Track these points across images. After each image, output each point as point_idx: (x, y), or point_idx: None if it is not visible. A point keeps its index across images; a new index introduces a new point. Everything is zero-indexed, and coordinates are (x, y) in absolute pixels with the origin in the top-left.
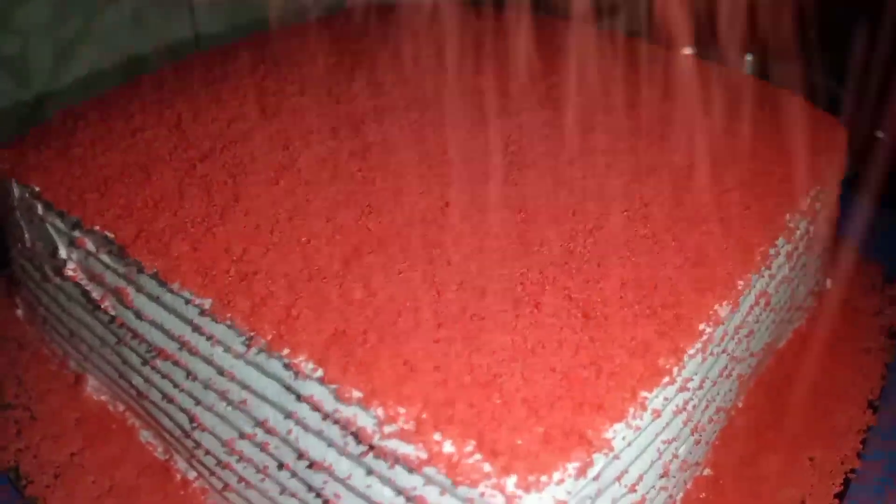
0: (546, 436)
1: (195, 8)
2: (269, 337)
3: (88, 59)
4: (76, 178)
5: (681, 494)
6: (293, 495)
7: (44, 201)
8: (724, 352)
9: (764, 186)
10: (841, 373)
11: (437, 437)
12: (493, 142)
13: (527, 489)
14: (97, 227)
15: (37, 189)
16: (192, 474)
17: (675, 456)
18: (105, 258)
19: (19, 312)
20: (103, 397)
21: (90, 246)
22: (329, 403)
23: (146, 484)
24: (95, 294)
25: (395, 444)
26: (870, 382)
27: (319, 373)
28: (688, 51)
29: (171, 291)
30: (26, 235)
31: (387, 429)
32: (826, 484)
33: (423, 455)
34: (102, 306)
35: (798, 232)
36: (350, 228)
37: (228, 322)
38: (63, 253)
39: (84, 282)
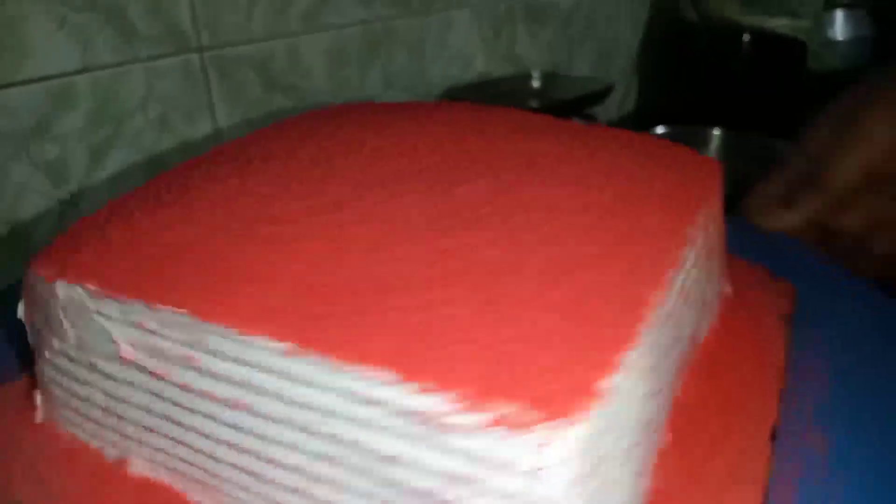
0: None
1: (216, 108)
2: (344, 358)
3: (118, 160)
4: (125, 267)
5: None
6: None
7: (97, 296)
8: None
9: (664, 210)
10: (751, 345)
11: (488, 407)
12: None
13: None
14: (159, 306)
15: (89, 286)
16: None
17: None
18: (168, 332)
19: (39, 416)
20: (147, 473)
21: (152, 325)
22: (398, 399)
23: None
24: (159, 369)
25: (455, 419)
26: (775, 349)
27: (393, 376)
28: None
29: (248, 345)
30: (70, 334)
31: (448, 408)
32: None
33: (479, 420)
34: (166, 379)
35: (699, 241)
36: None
37: (311, 358)
38: (120, 339)
39: (144, 361)
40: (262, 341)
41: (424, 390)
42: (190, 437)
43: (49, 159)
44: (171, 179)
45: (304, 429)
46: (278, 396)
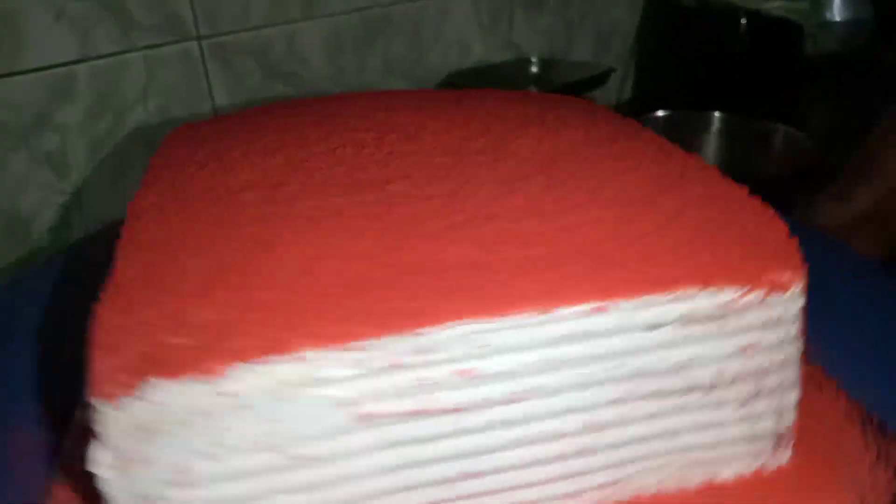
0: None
1: (216, 97)
2: (650, 292)
3: (119, 150)
4: (336, 312)
5: None
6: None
7: (317, 360)
8: None
9: (649, 138)
10: None
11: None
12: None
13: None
14: (429, 328)
15: (308, 350)
16: None
17: None
18: (430, 356)
19: None
20: None
21: (409, 358)
22: (699, 306)
23: None
24: (419, 405)
25: (744, 302)
26: None
27: (695, 289)
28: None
29: (546, 321)
30: (251, 436)
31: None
32: None
33: (760, 294)
34: (431, 411)
35: None
36: None
37: (618, 306)
38: (356, 397)
39: (395, 406)
40: (562, 311)
41: (720, 289)
42: (450, 467)
43: (49, 151)
44: (180, 211)
45: (593, 383)
46: (575, 361)
